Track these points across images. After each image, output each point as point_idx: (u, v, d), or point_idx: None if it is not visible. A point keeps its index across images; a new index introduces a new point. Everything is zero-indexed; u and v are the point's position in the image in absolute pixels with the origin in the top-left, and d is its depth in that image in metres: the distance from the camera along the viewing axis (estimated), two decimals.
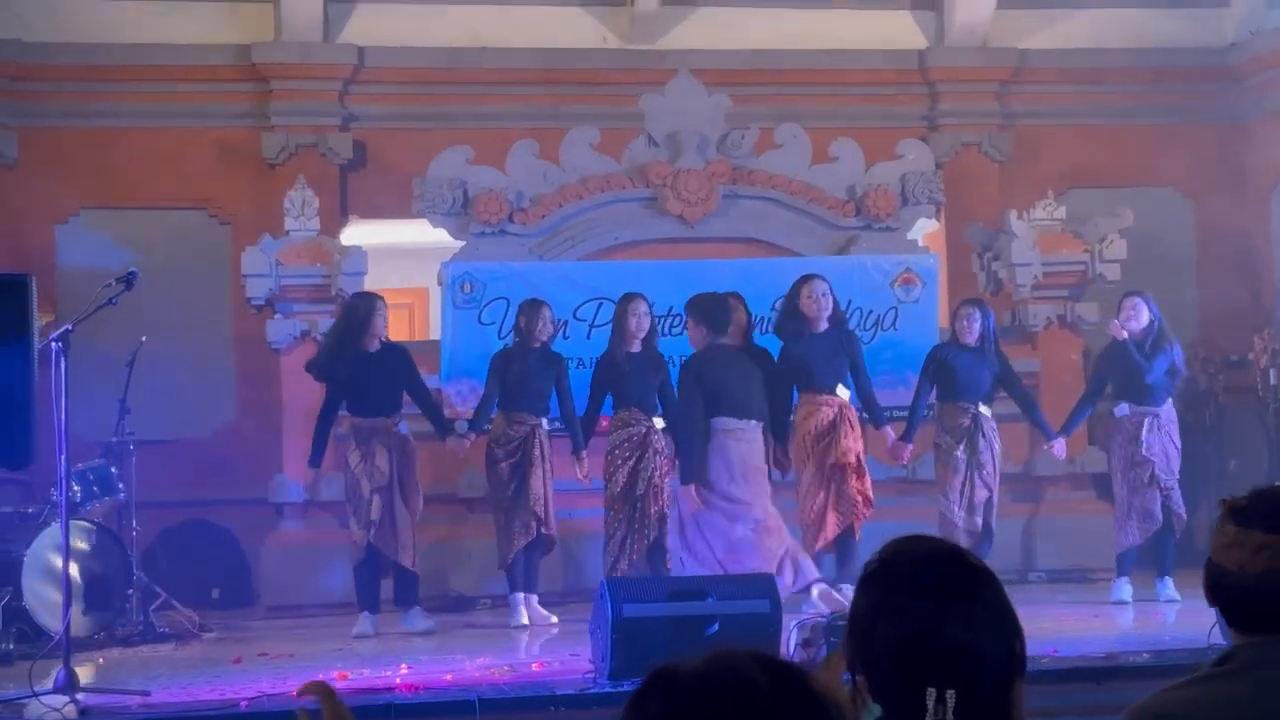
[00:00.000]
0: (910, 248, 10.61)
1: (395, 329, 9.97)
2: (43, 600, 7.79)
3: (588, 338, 9.63)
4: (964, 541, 8.57)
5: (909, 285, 10.22)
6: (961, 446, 8.88)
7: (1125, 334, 8.92)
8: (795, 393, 8.79)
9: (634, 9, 11.72)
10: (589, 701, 5.92)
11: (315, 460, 8.57)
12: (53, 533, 7.66)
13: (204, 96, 11.27)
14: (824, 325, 8.76)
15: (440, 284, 10.04)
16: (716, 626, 6.24)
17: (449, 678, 6.56)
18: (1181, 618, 7.95)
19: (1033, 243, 10.43)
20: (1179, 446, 9.00)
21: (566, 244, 10.33)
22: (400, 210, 10.66)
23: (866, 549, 6.97)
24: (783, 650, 5.90)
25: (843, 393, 8.69)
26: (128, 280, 6.89)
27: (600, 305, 9.61)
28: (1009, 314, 10.66)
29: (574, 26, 11.83)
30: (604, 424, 8.84)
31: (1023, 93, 12.21)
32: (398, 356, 8.65)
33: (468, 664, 6.97)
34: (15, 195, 11.03)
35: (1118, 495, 9.03)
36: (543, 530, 8.62)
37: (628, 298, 8.79)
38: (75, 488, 8.16)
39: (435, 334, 10.77)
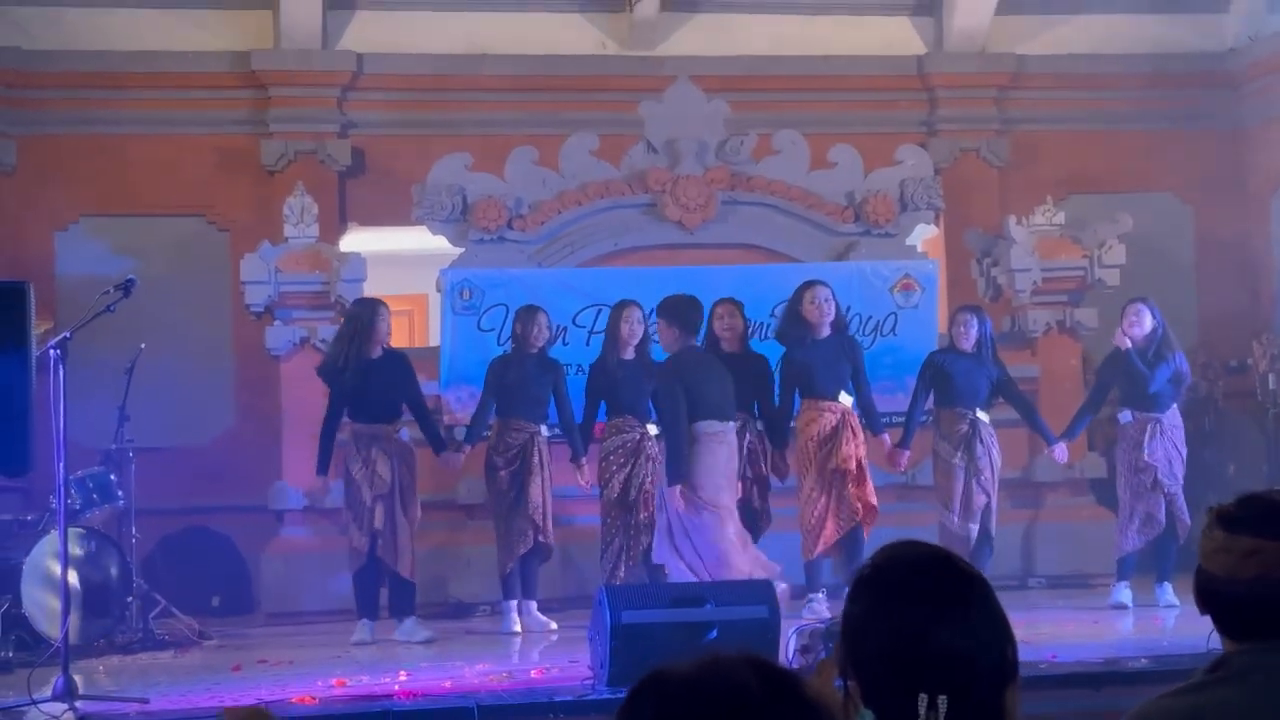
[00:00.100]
0: (909, 253, 10.62)
1: (395, 336, 9.94)
2: (42, 608, 7.78)
3: (587, 344, 9.62)
4: (963, 548, 8.60)
5: (908, 291, 10.22)
6: (959, 453, 8.88)
7: (1128, 343, 8.91)
8: (797, 399, 8.79)
9: (633, 15, 11.73)
10: (588, 708, 5.92)
11: (322, 468, 8.52)
12: (52, 540, 7.65)
13: (203, 104, 11.28)
14: (826, 331, 8.76)
15: (439, 291, 10.04)
16: (715, 633, 6.24)
17: (448, 684, 6.55)
18: (1180, 623, 7.96)
19: (1032, 248, 10.43)
20: (1183, 452, 8.99)
21: (565, 250, 10.34)
22: (399, 217, 10.67)
23: (866, 554, 6.96)
24: (781, 656, 5.89)
25: (845, 399, 8.70)
26: (126, 287, 6.89)
27: (599, 312, 9.61)
28: (1008, 319, 10.66)
29: (573, 33, 11.85)
30: (599, 430, 8.84)
31: (1021, 98, 12.22)
32: (399, 364, 8.63)
33: (467, 671, 6.96)
34: (14, 203, 11.04)
35: (1121, 500, 9.04)
36: (540, 538, 8.61)
37: (621, 304, 8.79)
38: (74, 495, 8.16)
39: (434, 341, 10.78)
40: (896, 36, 12.19)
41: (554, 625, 8.62)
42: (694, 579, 8.01)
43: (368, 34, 11.60)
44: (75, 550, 7.90)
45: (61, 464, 6.30)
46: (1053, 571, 10.18)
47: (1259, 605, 2.29)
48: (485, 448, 8.81)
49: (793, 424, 8.87)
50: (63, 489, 6.44)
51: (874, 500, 8.65)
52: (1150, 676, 5.97)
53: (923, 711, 1.86)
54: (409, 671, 6.97)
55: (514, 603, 8.63)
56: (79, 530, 8.12)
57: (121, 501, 8.65)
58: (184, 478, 10.17)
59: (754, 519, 8.67)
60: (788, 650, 6.01)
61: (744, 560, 8.13)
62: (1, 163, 11.07)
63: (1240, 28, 12.36)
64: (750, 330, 9.43)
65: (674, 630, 6.14)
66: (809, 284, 8.87)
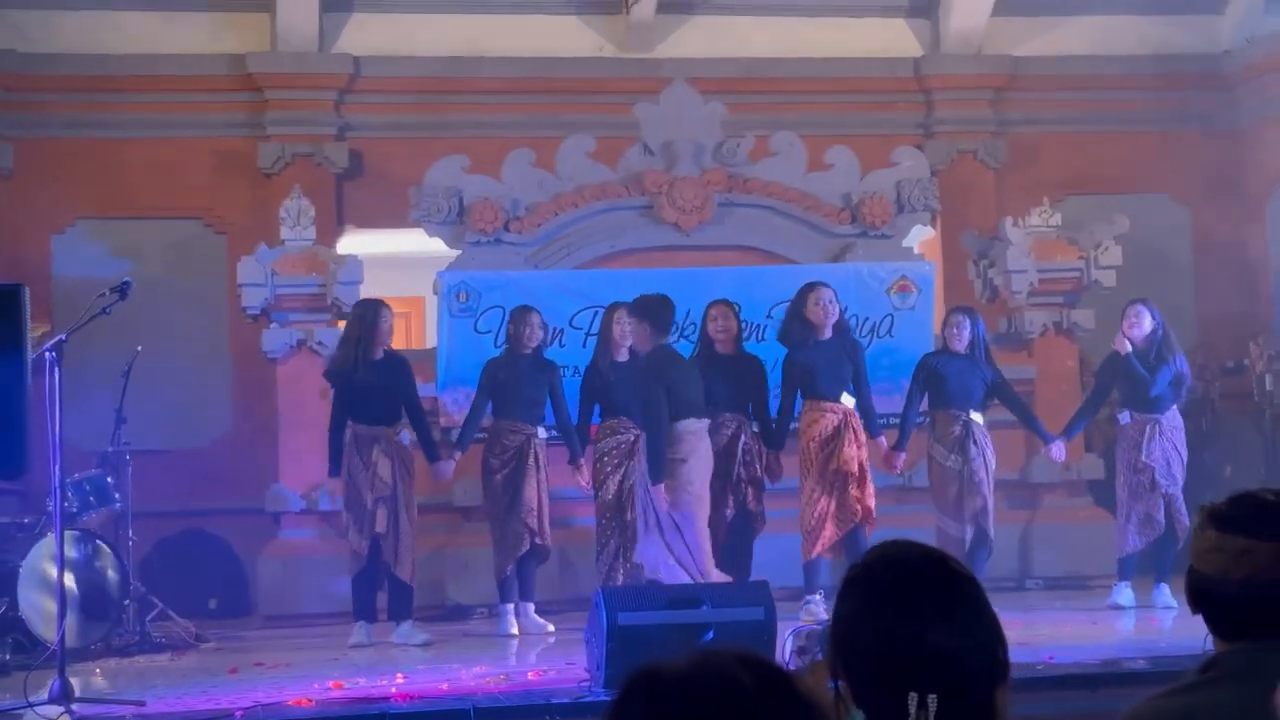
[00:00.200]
0: (906, 255, 10.63)
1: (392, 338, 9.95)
2: (39, 611, 7.77)
3: (584, 346, 9.62)
4: (960, 550, 8.61)
5: (905, 293, 10.23)
6: (953, 455, 8.89)
7: (1129, 347, 8.91)
8: (799, 400, 8.79)
9: (629, 18, 11.74)
10: (584, 710, 5.91)
11: (335, 470, 8.46)
12: (49, 543, 7.64)
13: (200, 107, 11.28)
14: (828, 333, 8.78)
15: (436, 293, 10.05)
16: (712, 634, 6.24)
17: (445, 687, 6.55)
18: (1178, 624, 7.96)
19: (1028, 250, 10.44)
20: (1183, 454, 8.99)
21: (562, 252, 10.34)
22: (396, 219, 10.67)
23: None
24: (777, 658, 5.89)
25: (847, 400, 8.72)
26: (122, 290, 6.89)
27: (596, 313, 9.60)
28: (1005, 321, 10.67)
29: (569, 35, 11.85)
30: (594, 432, 8.84)
31: (1018, 100, 12.23)
32: (399, 367, 8.62)
33: (463, 673, 6.96)
34: (11, 206, 11.04)
35: (1119, 500, 9.05)
36: (537, 541, 8.61)
37: (612, 307, 8.79)
38: (71, 498, 8.15)
39: (431, 343, 10.78)
40: (893, 38, 12.20)
41: (551, 627, 8.61)
42: (685, 576, 8.03)
43: (364, 37, 11.61)
44: (72, 553, 7.89)
45: (58, 467, 6.29)
46: (1050, 573, 10.18)
47: (1250, 605, 2.29)
48: (482, 450, 8.81)
49: (793, 425, 8.87)
50: (59, 492, 6.44)
51: (872, 503, 8.65)
52: (1147, 677, 5.97)
53: (913, 711, 1.86)
54: (406, 674, 6.97)
55: (511, 605, 8.63)
56: (76, 533, 8.11)
57: (118, 504, 8.64)
58: (181, 480, 10.17)
59: (749, 521, 8.67)
60: (784, 652, 6.00)
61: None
62: None
63: (1236, 29, 12.37)
64: (746, 332, 9.45)
65: (670, 632, 6.13)
66: (812, 285, 8.88)
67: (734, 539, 8.65)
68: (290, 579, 9.59)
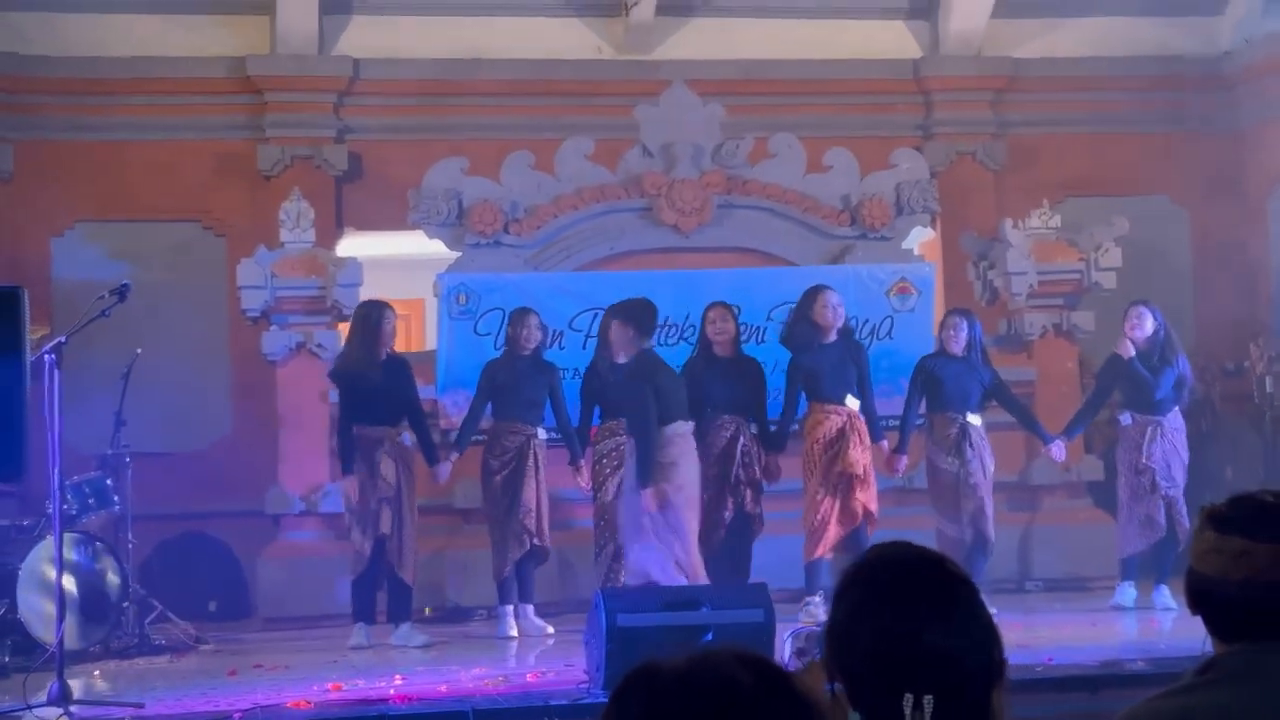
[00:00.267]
0: (905, 257, 10.63)
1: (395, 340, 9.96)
2: (38, 613, 7.77)
3: (583, 348, 9.61)
4: (959, 551, 8.61)
5: (904, 294, 10.23)
6: (950, 457, 8.90)
7: (1132, 350, 8.91)
8: (804, 402, 8.79)
9: (628, 20, 11.74)
10: (583, 712, 5.91)
11: (348, 468, 8.45)
12: (48, 545, 7.63)
13: (199, 109, 11.29)
14: (833, 336, 8.79)
15: (436, 295, 10.05)
16: (711, 636, 6.24)
17: (443, 688, 6.55)
18: (1178, 626, 7.95)
19: (1028, 251, 10.44)
20: (1184, 455, 8.99)
21: (562, 254, 10.34)
22: (396, 222, 10.67)
23: None
24: (777, 659, 5.89)
25: (852, 403, 8.73)
26: (121, 292, 6.89)
27: (595, 316, 9.60)
28: (1005, 323, 10.67)
29: (568, 37, 11.85)
30: (594, 434, 8.84)
31: (1017, 101, 12.23)
32: (402, 368, 8.64)
33: (462, 675, 6.96)
34: (11, 208, 11.04)
35: (1120, 502, 9.06)
36: (535, 542, 8.60)
37: (610, 309, 8.78)
38: (71, 501, 8.15)
39: (431, 345, 10.78)
40: (892, 40, 12.20)
41: (550, 629, 8.61)
42: (682, 577, 8.03)
43: (364, 39, 11.61)
44: (71, 556, 7.89)
45: (57, 469, 6.29)
46: (1050, 575, 10.18)
47: (1249, 606, 2.29)
48: (482, 451, 8.81)
49: (794, 427, 8.87)
50: (58, 494, 6.44)
51: (875, 505, 8.66)
52: (1147, 679, 5.96)
53: (908, 712, 1.85)
54: (405, 676, 6.97)
55: (510, 607, 8.63)
56: (75, 535, 8.11)
57: (118, 507, 8.64)
58: (181, 483, 10.15)
59: (747, 523, 8.67)
60: (783, 653, 6.01)
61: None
62: None
63: (1236, 30, 12.37)
64: (745, 334, 9.45)
65: (669, 634, 6.13)
66: (820, 288, 8.88)
67: (732, 541, 8.65)
68: (290, 581, 9.58)
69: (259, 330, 9.99)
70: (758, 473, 8.71)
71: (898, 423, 9.08)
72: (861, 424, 8.73)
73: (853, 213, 10.50)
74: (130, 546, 8.64)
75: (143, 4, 11.41)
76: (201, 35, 11.39)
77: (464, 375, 9.51)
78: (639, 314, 8.51)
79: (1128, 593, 8.87)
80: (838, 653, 1.94)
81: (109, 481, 8.62)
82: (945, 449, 8.92)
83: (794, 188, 10.50)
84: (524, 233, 10.20)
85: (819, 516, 8.60)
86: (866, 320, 10.06)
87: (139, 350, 8.90)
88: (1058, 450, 9.16)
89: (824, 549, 8.60)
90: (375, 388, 8.41)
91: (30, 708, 6.08)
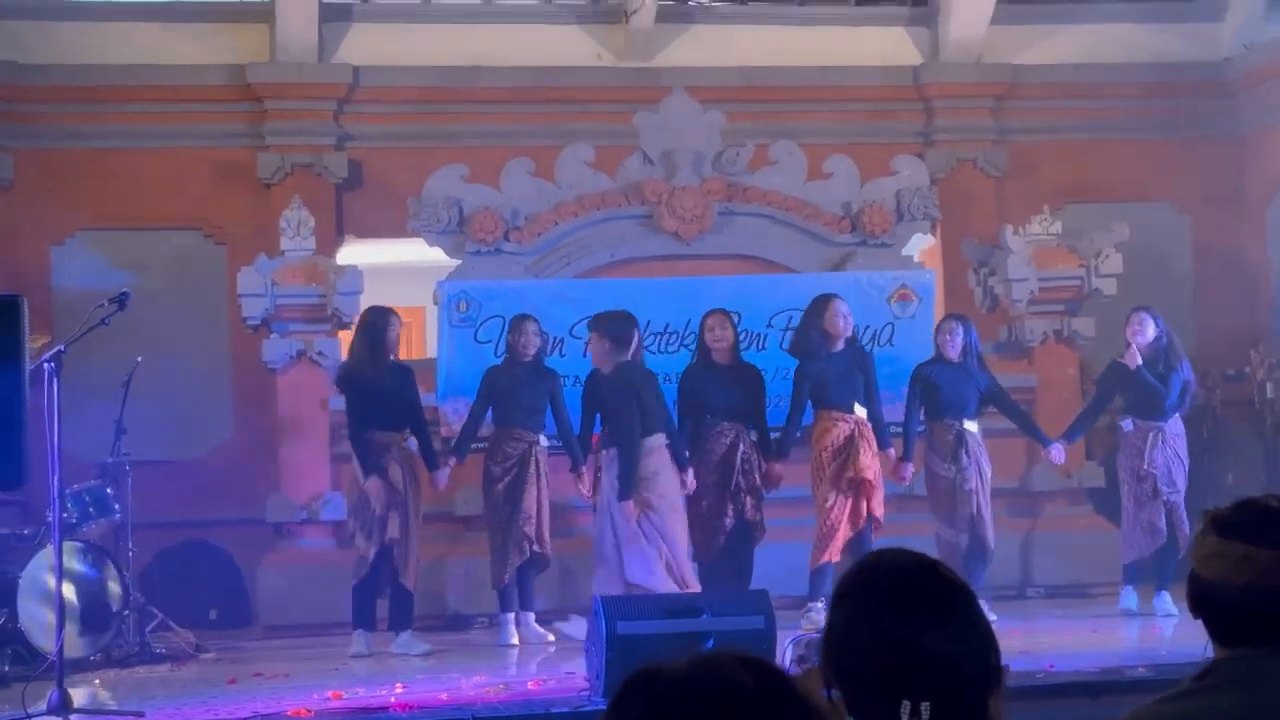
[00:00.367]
0: (906, 264, 10.62)
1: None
2: (38, 622, 7.76)
3: (584, 355, 9.58)
4: (957, 557, 8.62)
5: (905, 301, 10.22)
6: (947, 463, 8.90)
7: (1139, 360, 8.91)
8: (810, 410, 8.80)
9: (629, 27, 11.75)
10: (584, 719, 5.91)
11: (369, 470, 8.39)
12: (48, 554, 7.63)
13: (199, 117, 11.29)
14: (841, 344, 8.79)
15: (436, 303, 10.05)
16: (711, 643, 6.23)
17: (444, 696, 6.55)
18: (1179, 632, 7.94)
19: (1029, 258, 10.43)
20: (1185, 461, 9.00)
21: (562, 262, 10.34)
22: (396, 229, 10.66)
23: None
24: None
25: (859, 410, 8.74)
26: (120, 301, 6.88)
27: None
28: (1005, 329, 10.67)
29: (569, 44, 11.86)
30: (595, 441, 8.83)
31: (1018, 108, 12.23)
32: (406, 375, 8.67)
33: (463, 683, 6.95)
34: (11, 217, 11.04)
35: (1125, 508, 9.07)
36: (536, 549, 8.59)
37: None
38: (71, 509, 8.14)
39: (432, 352, 10.77)
40: (892, 47, 12.21)
41: (551, 637, 8.60)
42: (674, 585, 8.04)
43: (364, 47, 11.62)
44: (72, 564, 7.89)
45: (55, 477, 6.29)
46: (1051, 581, 10.16)
47: (1251, 611, 2.28)
48: (483, 458, 8.80)
49: (798, 433, 8.87)
50: (57, 503, 6.43)
51: (881, 512, 8.68)
52: (1148, 685, 5.94)
53: (905, 718, 1.85)
54: (405, 684, 6.96)
55: (511, 614, 8.62)
56: (75, 544, 8.10)
57: (118, 515, 8.63)
58: (181, 491, 10.16)
59: (748, 530, 8.66)
60: (783, 661, 6.00)
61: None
62: None
63: (1235, 36, 12.37)
64: (746, 341, 9.45)
65: (670, 641, 6.13)
66: (830, 297, 8.90)
67: (733, 548, 8.64)
68: (291, 589, 9.57)
69: (259, 338, 9.99)
70: (758, 480, 8.71)
71: (900, 430, 9.08)
72: (869, 431, 8.74)
73: (853, 219, 10.50)
74: (130, 555, 8.64)
75: (142, 12, 11.43)
76: (201, 43, 11.40)
77: (464, 382, 9.51)
78: (617, 326, 8.53)
79: (1132, 597, 8.88)
80: (835, 658, 1.93)
81: (109, 490, 8.61)
82: (943, 455, 8.93)
83: (794, 195, 10.50)
84: (524, 240, 10.20)
85: (830, 521, 8.60)
86: (867, 327, 10.04)
87: (139, 358, 8.90)
88: (1057, 453, 9.16)
89: (832, 554, 8.60)
90: (381, 394, 8.43)
91: (30, 717, 6.07)
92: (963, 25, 11.99)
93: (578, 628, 8.15)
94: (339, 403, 9.19)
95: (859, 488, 8.62)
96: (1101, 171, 12.14)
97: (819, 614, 8.44)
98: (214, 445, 10.95)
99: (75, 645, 7.65)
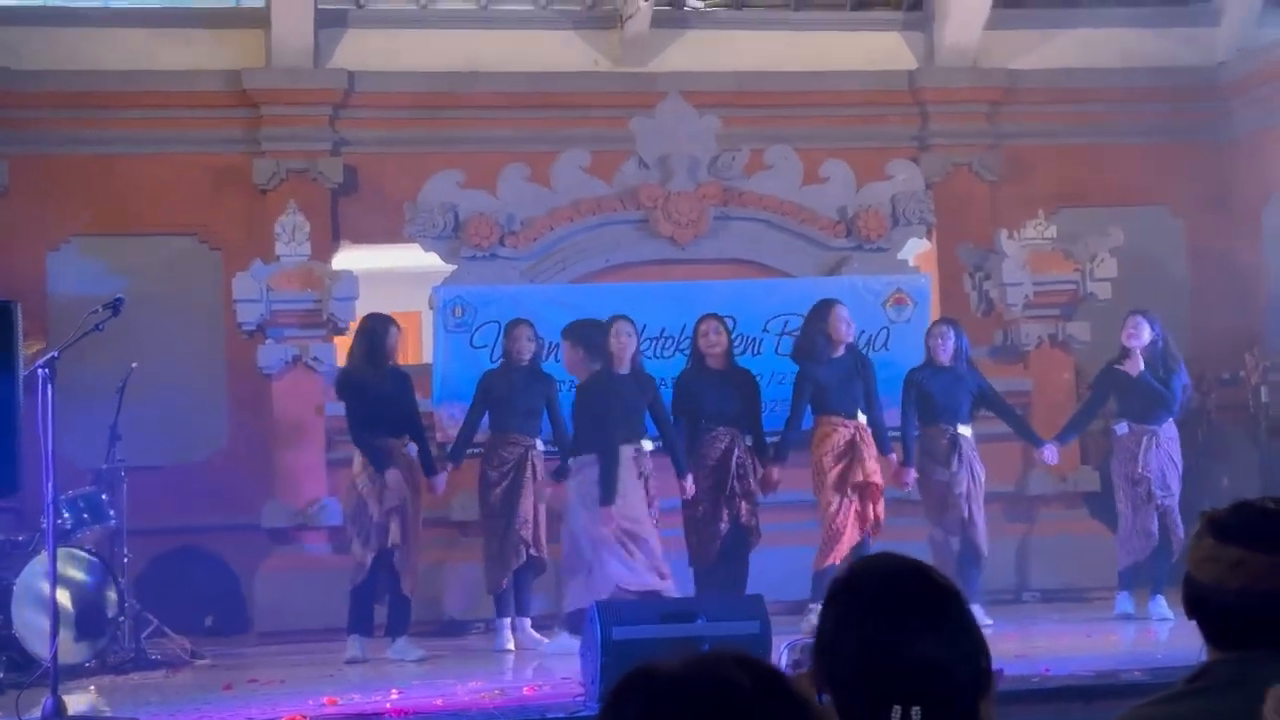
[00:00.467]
0: (901, 268, 10.63)
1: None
2: (33, 628, 7.74)
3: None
4: (950, 562, 8.64)
5: (900, 305, 10.23)
6: (941, 467, 8.92)
7: (1141, 366, 8.91)
8: (810, 414, 8.80)
9: (624, 32, 11.76)
10: None
11: (381, 467, 8.38)
12: (43, 560, 7.62)
13: (195, 123, 11.28)
14: (842, 350, 8.80)
15: (432, 308, 10.05)
16: (707, 648, 6.22)
17: (439, 702, 6.53)
18: (1174, 636, 7.95)
19: (1023, 262, 10.44)
20: (1179, 465, 9.00)
21: (558, 267, 10.33)
22: (392, 234, 10.66)
23: None
24: None
25: (860, 416, 8.75)
26: (114, 306, 6.88)
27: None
28: (1000, 333, 10.67)
29: (564, 50, 11.86)
30: None
31: (1013, 112, 12.25)
32: (404, 382, 8.68)
33: (458, 688, 6.94)
34: (6, 223, 11.03)
35: (1121, 513, 9.06)
36: (532, 553, 8.59)
37: (610, 320, 8.78)
38: (66, 515, 8.14)
39: (427, 357, 10.77)
40: (887, 51, 12.22)
41: (547, 642, 8.59)
42: (657, 577, 8.04)
43: (359, 52, 11.62)
44: (67, 570, 7.87)
45: (50, 483, 6.28)
46: (1046, 585, 10.16)
47: (1246, 615, 2.28)
48: (479, 463, 8.79)
49: (796, 438, 8.87)
50: (51, 509, 6.42)
51: (883, 515, 8.69)
52: (1143, 689, 5.93)
53: None
54: (401, 690, 6.95)
55: (507, 620, 8.61)
56: (71, 550, 8.09)
57: (113, 521, 8.62)
58: (176, 497, 10.15)
59: (744, 535, 8.66)
60: (779, 666, 5.99)
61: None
62: None
63: (1230, 41, 12.38)
64: (742, 345, 9.45)
65: (665, 646, 6.07)
66: (832, 303, 8.91)
67: (729, 553, 8.63)
68: (287, 595, 9.55)
69: (254, 343, 9.98)
70: (753, 484, 8.71)
71: (896, 432, 9.08)
72: (869, 436, 8.76)
73: (849, 224, 10.50)
74: (126, 561, 8.62)
75: (137, 18, 11.42)
76: (196, 49, 11.39)
77: (460, 387, 9.50)
78: (589, 336, 8.55)
79: (1128, 602, 8.89)
80: (826, 663, 1.93)
81: (104, 496, 8.60)
82: (937, 460, 8.94)
83: (790, 199, 10.50)
84: (520, 245, 10.20)
85: (835, 526, 8.61)
86: (863, 331, 10.03)
87: (134, 364, 8.89)
88: (1050, 454, 9.18)
89: (836, 557, 8.60)
90: (379, 400, 8.43)
91: None
92: (957, 30, 12.00)
93: (561, 644, 8.16)
94: (335, 408, 9.20)
95: (866, 492, 8.63)
96: (1096, 176, 12.15)
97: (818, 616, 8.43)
98: (209, 451, 10.94)
99: (70, 652, 7.64)
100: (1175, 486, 8.95)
